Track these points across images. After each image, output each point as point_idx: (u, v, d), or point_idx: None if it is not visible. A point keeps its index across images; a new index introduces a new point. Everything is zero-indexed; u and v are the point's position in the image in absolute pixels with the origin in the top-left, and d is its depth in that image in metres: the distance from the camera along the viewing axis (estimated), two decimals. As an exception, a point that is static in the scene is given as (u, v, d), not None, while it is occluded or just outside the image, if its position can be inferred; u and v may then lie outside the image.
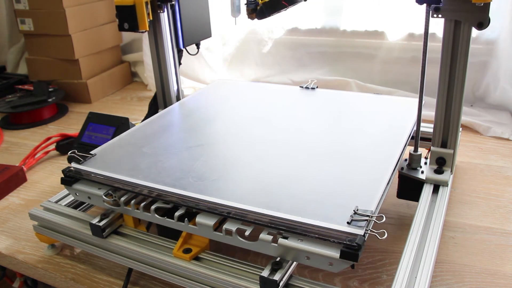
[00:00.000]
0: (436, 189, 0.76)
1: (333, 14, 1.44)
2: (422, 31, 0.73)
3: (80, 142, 1.00)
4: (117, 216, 0.71)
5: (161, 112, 0.97)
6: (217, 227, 0.62)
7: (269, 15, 0.72)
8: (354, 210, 0.58)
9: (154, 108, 1.06)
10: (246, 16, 0.75)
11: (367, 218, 0.56)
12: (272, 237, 0.58)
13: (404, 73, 1.35)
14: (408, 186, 0.80)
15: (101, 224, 0.69)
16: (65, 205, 0.79)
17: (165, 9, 0.99)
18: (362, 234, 0.54)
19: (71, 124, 1.41)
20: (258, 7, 0.72)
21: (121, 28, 0.92)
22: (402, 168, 0.81)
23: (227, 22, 1.53)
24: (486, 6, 0.67)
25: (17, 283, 0.92)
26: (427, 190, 0.76)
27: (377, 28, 1.38)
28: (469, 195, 0.91)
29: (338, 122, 0.87)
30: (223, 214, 0.61)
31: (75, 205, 0.81)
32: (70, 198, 0.81)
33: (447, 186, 0.76)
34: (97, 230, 0.69)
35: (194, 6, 1.05)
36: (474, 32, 1.23)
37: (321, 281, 0.68)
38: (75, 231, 0.73)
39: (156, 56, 1.02)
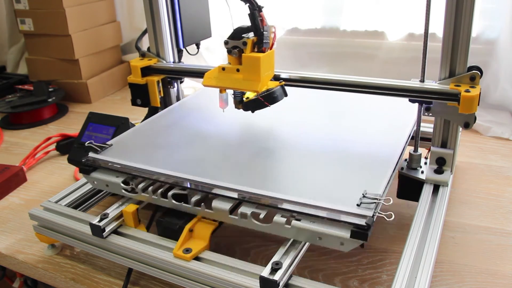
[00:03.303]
0: (436, 189, 0.76)
1: (333, 14, 1.44)
2: (422, 31, 0.73)
3: (80, 142, 1.00)
4: (117, 216, 0.71)
5: (161, 112, 0.97)
6: (233, 211, 0.65)
7: (252, 111, 0.77)
8: (362, 194, 0.61)
9: (154, 108, 1.05)
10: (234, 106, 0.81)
11: (375, 200, 0.59)
12: (285, 219, 0.61)
13: (404, 73, 1.35)
14: (408, 186, 0.80)
15: (101, 224, 0.69)
16: (65, 205, 0.79)
17: (175, 85, 1.02)
18: (371, 215, 0.57)
19: (71, 124, 1.41)
20: (245, 102, 0.77)
21: (133, 103, 0.98)
22: (402, 168, 0.81)
23: (227, 22, 1.53)
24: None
25: (17, 283, 0.93)
26: (427, 190, 0.76)
27: (377, 28, 1.38)
28: (469, 195, 0.91)
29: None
30: (238, 199, 0.64)
31: (75, 205, 0.81)
32: (70, 198, 0.81)
33: (447, 186, 0.76)
34: (97, 230, 0.69)
35: (194, 6, 1.05)
36: (474, 32, 1.24)
37: (321, 281, 0.68)
38: (75, 231, 0.73)
39: (156, 53, 1.02)
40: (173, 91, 1.03)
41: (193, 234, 0.66)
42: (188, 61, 1.05)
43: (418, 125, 0.79)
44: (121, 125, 0.98)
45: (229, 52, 0.76)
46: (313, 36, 1.48)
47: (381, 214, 0.58)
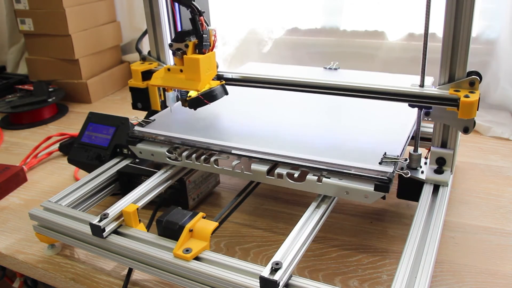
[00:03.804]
0: (436, 189, 0.76)
1: (333, 14, 1.44)
2: (422, 31, 0.73)
3: (80, 142, 1.00)
4: (117, 216, 0.71)
5: (162, 111, 0.97)
6: (269, 172, 0.73)
7: (195, 109, 0.84)
8: (383, 154, 0.70)
9: (154, 112, 1.05)
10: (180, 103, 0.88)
11: (394, 159, 0.69)
12: (317, 177, 0.69)
13: (404, 73, 1.35)
14: (408, 186, 0.80)
15: (101, 224, 0.69)
16: (65, 205, 0.79)
17: (175, 89, 1.03)
18: (392, 171, 0.66)
19: (71, 124, 1.41)
20: (187, 100, 0.84)
21: (134, 107, 1.00)
22: (402, 168, 0.81)
23: (227, 22, 1.53)
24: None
25: (17, 283, 0.93)
26: (427, 190, 0.76)
27: (377, 28, 1.38)
28: (469, 195, 0.91)
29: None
30: (274, 161, 0.73)
31: (75, 205, 0.81)
32: (70, 198, 0.81)
33: (447, 186, 0.76)
34: (97, 230, 0.69)
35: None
36: (474, 32, 1.24)
37: (321, 281, 0.68)
38: (75, 231, 0.73)
39: (156, 56, 1.02)
40: (173, 95, 1.03)
41: (193, 234, 0.66)
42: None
43: (418, 125, 0.79)
44: (121, 125, 0.98)
45: (173, 53, 0.81)
46: (313, 36, 1.48)
47: (399, 171, 0.69)
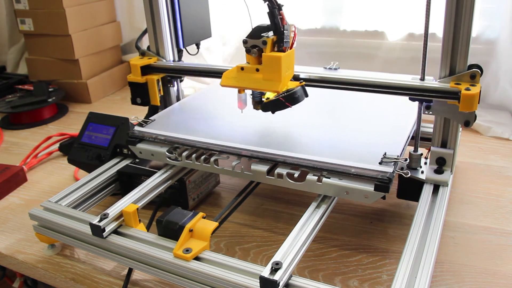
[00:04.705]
0: (436, 189, 0.76)
1: (333, 14, 1.44)
2: (422, 31, 0.73)
3: (80, 142, 1.00)
4: (117, 216, 0.71)
5: (162, 111, 0.97)
6: (269, 172, 0.73)
7: (273, 112, 0.75)
8: (383, 154, 0.70)
9: (154, 108, 1.05)
10: (252, 106, 0.81)
11: (394, 159, 0.69)
12: (317, 177, 0.69)
13: (404, 73, 1.35)
14: (408, 186, 0.80)
15: (101, 224, 0.69)
16: (65, 205, 0.79)
17: (175, 84, 1.03)
18: (392, 171, 0.66)
19: (71, 124, 1.41)
20: (265, 102, 0.76)
21: (133, 102, 1.00)
22: (402, 168, 0.81)
23: (227, 22, 1.53)
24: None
25: (17, 283, 0.93)
26: (427, 190, 0.76)
27: (377, 28, 1.38)
28: (469, 195, 0.91)
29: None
30: (274, 161, 0.73)
31: (75, 205, 0.81)
32: (70, 198, 0.81)
33: (447, 186, 0.76)
34: (97, 230, 0.69)
35: (194, 6, 1.05)
36: (474, 32, 1.24)
37: (321, 281, 0.68)
38: (75, 231, 0.73)
39: (156, 51, 1.02)
40: (173, 90, 1.03)
41: (193, 234, 0.66)
42: (188, 61, 1.05)
43: (418, 125, 0.79)
44: (121, 125, 0.98)
45: (247, 51, 0.74)
46: (313, 36, 1.48)
47: (399, 171, 0.69)
